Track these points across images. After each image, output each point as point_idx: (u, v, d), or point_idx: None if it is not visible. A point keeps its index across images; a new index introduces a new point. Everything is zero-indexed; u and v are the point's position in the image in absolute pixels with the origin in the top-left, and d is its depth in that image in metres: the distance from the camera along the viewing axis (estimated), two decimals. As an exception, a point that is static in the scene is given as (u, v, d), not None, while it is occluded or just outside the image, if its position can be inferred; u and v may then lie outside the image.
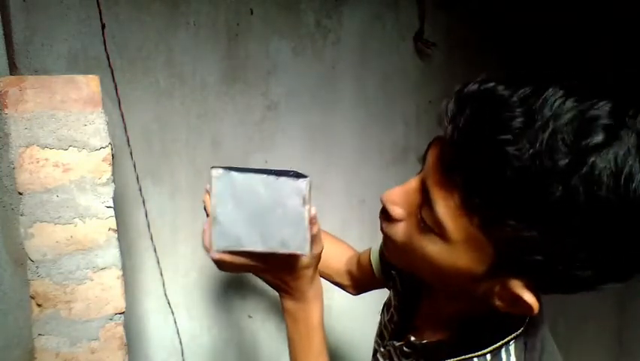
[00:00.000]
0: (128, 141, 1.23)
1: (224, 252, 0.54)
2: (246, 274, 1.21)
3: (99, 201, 0.77)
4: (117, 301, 0.80)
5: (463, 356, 0.55)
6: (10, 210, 0.71)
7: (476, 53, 1.61)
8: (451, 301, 0.58)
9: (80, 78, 0.75)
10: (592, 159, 0.38)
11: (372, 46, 1.48)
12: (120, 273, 0.80)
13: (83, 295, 0.78)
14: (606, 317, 1.87)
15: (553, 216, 0.40)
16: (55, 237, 0.76)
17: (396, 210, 0.53)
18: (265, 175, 0.52)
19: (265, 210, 0.52)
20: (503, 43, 1.60)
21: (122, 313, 0.81)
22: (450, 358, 0.56)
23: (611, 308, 1.87)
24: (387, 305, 0.77)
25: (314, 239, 0.55)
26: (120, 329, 0.82)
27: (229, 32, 1.29)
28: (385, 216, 0.55)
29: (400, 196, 0.53)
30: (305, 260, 0.57)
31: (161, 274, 1.33)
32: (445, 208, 0.46)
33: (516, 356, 0.54)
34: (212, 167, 0.53)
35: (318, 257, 0.60)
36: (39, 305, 0.76)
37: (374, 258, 0.88)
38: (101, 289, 0.79)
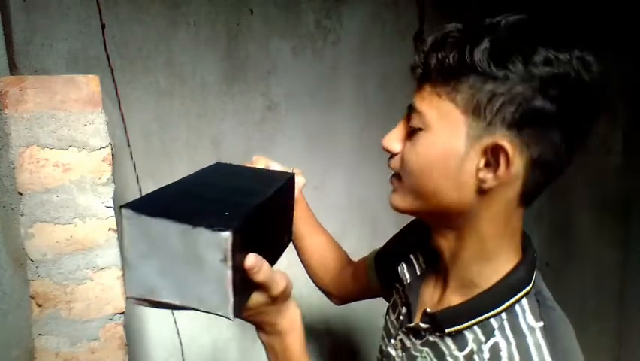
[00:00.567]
0: (128, 141, 1.23)
1: (139, 299, 0.47)
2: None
3: (99, 201, 0.77)
4: (117, 301, 0.80)
5: (480, 318, 0.57)
6: (10, 210, 0.71)
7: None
8: (467, 260, 0.59)
9: (80, 78, 0.75)
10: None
11: (372, 46, 1.48)
12: (120, 273, 0.80)
13: (83, 295, 0.78)
14: (606, 317, 1.87)
15: (497, 66, 0.50)
16: (55, 237, 0.76)
17: (395, 144, 0.60)
18: (181, 223, 0.44)
19: (181, 261, 0.45)
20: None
21: (122, 313, 0.81)
22: (467, 321, 0.57)
23: (611, 308, 1.87)
24: (392, 306, 0.77)
25: (268, 282, 0.51)
26: (120, 329, 0.81)
27: (229, 32, 1.29)
28: (390, 157, 0.62)
29: (395, 133, 0.61)
30: (258, 299, 0.54)
31: (161, 274, 1.33)
32: (419, 100, 0.56)
33: (531, 311, 0.56)
34: (122, 205, 0.46)
35: (287, 291, 0.56)
36: (39, 305, 0.76)
37: (369, 266, 0.87)
38: (101, 289, 0.79)
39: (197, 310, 0.47)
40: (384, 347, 0.75)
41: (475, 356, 0.56)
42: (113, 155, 0.79)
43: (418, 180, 0.57)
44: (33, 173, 0.74)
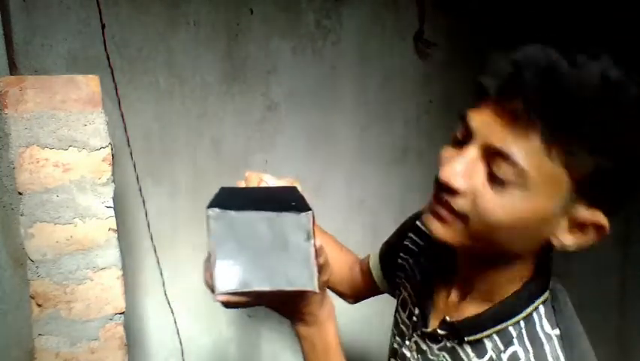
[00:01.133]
0: (128, 141, 1.23)
1: (229, 293, 0.51)
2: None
3: (99, 201, 0.77)
4: (117, 301, 0.80)
5: (499, 327, 0.57)
6: (10, 210, 0.71)
7: (476, 53, 1.60)
8: (490, 266, 0.58)
9: (80, 78, 0.75)
10: None
11: (372, 46, 1.48)
12: (120, 273, 0.80)
13: (83, 295, 0.78)
14: (606, 317, 1.87)
15: (628, 146, 0.45)
16: (55, 237, 0.76)
17: (462, 182, 0.52)
18: (266, 213, 0.50)
19: (268, 249, 0.50)
20: (503, 43, 1.60)
21: (122, 313, 0.81)
22: (486, 330, 0.58)
23: (611, 308, 1.87)
24: (402, 304, 0.77)
25: (321, 269, 0.53)
26: (120, 329, 0.82)
27: (229, 32, 1.29)
28: (449, 193, 0.53)
29: (461, 168, 0.52)
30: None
31: (161, 274, 1.33)
32: (524, 154, 0.47)
33: (547, 318, 0.56)
34: (208, 205, 0.50)
35: (327, 282, 0.59)
36: (39, 305, 0.76)
37: (373, 265, 0.87)
38: (101, 289, 0.79)
39: (284, 291, 0.51)
40: (396, 346, 0.75)
41: None
42: (113, 155, 0.79)
43: (492, 232, 0.52)
44: (33, 173, 0.74)
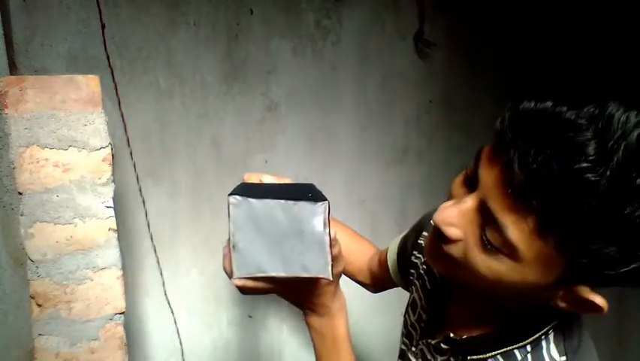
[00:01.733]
0: (128, 141, 1.23)
1: (246, 278, 0.53)
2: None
3: (99, 201, 0.77)
4: (117, 301, 0.80)
5: (504, 349, 0.56)
6: (10, 210, 0.71)
7: (476, 53, 1.61)
8: (492, 302, 0.58)
9: (80, 78, 0.75)
10: None
11: (372, 46, 1.48)
12: (120, 273, 0.80)
13: (83, 295, 0.78)
14: (606, 317, 1.87)
15: (632, 232, 0.41)
16: (55, 237, 0.76)
17: (454, 232, 0.51)
18: (283, 200, 0.52)
19: (285, 236, 0.52)
20: (503, 43, 1.60)
21: (122, 313, 0.81)
22: (491, 351, 0.57)
23: (611, 308, 1.87)
24: (411, 305, 0.77)
25: (335, 259, 0.54)
26: (120, 329, 0.81)
27: (229, 32, 1.29)
28: (442, 237, 0.52)
29: (455, 217, 0.51)
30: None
31: (161, 274, 1.33)
32: (518, 232, 0.45)
33: (555, 345, 0.55)
34: (230, 193, 0.52)
35: (340, 273, 0.60)
36: (39, 305, 0.76)
37: (391, 261, 0.87)
38: (101, 289, 0.79)
39: (299, 278, 0.53)
40: (404, 348, 0.75)
41: None
42: (113, 155, 0.79)
43: (484, 289, 0.52)
44: (33, 173, 0.74)
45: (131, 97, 1.21)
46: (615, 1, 1.58)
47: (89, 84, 0.75)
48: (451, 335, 0.61)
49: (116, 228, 0.79)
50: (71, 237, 0.76)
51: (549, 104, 0.43)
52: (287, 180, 0.69)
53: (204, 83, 1.29)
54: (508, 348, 0.56)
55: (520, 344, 0.56)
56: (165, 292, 1.34)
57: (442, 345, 0.63)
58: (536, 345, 0.55)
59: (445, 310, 0.68)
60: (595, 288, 0.48)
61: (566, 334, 0.56)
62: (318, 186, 0.58)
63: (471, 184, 0.51)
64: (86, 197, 0.76)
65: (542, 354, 0.55)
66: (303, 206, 0.51)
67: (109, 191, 0.78)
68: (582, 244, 0.42)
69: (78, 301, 0.78)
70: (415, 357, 0.70)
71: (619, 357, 1.92)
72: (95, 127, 0.76)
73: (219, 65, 1.30)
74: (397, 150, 1.59)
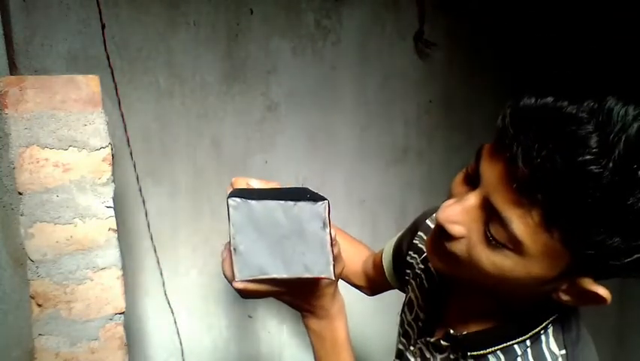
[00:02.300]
0: (128, 141, 1.23)
1: (248, 280, 0.53)
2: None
3: (99, 201, 0.77)
4: (117, 301, 0.80)
5: (504, 344, 0.57)
6: (10, 210, 0.71)
7: (476, 53, 1.61)
8: (493, 298, 0.58)
9: (80, 78, 0.75)
10: None
11: (372, 46, 1.48)
12: (120, 273, 0.80)
13: (83, 295, 0.78)
14: (606, 317, 1.87)
15: (635, 223, 0.41)
16: (55, 237, 0.76)
17: (458, 229, 0.51)
18: (283, 201, 0.51)
19: (286, 237, 0.51)
20: (503, 43, 1.60)
21: (122, 313, 0.81)
22: (490, 347, 0.57)
23: (611, 308, 1.87)
24: (408, 305, 0.77)
25: (335, 259, 0.54)
26: (120, 329, 0.81)
27: (229, 32, 1.29)
28: (445, 235, 0.53)
29: (458, 215, 0.51)
30: (327, 280, 0.56)
31: (161, 274, 1.33)
32: (523, 226, 0.45)
33: (554, 339, 0.56)
34: (229, 196, 0.52)
35: (340, 274, 0.59)
36: (39, 305, 0.76)
37: (386, 262, 0.87)
38: (101, 289, 0.79)
39: (301, 279, 0.52)
40: (401, 347, 0.75)
41: None
42: (113, 155, 0.79)
43: (485, 281, 0.52)
44: (33, 173, 0.74)
45: (131, 97, 1.21)
46: (615, 1, 1.58)
47: (89, 84, 0.75)
48: (451, 331, 0.61)
49: (116, 228, 0.79)
50: (71, 237, 0.76)
51: (550, 99, 0.43)
52: (275, 184, 0.69)
53: (204, 83, 1.29)
54: (508, 343, 0.57)
55: (520, 339, 0.56)
56: (165, 292, 1.34)
57: (441, 342, 0.63)
58: (536, 340, 0.56)
59: (443, 307, 0.68)
60: (597, 280, 0.48)
61: (564, 328, 0.57)
62: (318, 187, 0.58)
63: (472, 182, 0.52)
64: (86, 197, 0.76)
65: (542, 348, 0.55)
66: (304, 206, 0.51)
67: (109, 191, 0.78)
68: (587, 235, 0.42)
69: (78, 301, 0.78)
70: (414, 356, 0.70)
71: (619, 356, 1.92)
72: (95, 127, 0.76)
73: (219, 65, 1.30)
74: (397, 150, 1.59)
